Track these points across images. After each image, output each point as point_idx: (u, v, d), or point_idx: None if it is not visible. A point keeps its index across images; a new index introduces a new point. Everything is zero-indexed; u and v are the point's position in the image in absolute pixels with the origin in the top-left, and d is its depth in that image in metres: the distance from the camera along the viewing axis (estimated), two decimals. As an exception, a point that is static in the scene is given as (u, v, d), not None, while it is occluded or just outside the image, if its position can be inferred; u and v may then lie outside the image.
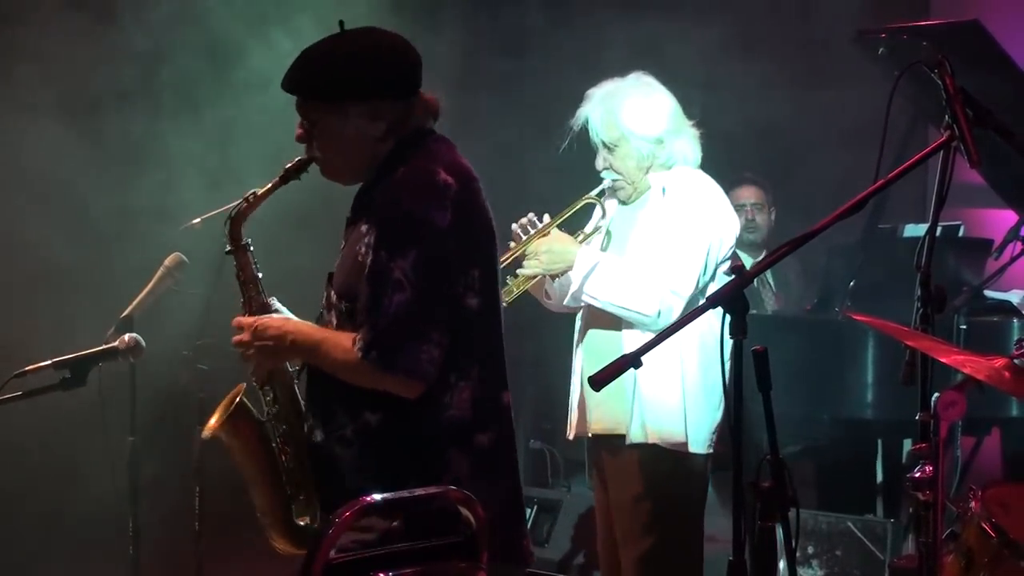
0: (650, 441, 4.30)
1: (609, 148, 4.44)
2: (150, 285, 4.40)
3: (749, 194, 6.62)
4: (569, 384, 4.59)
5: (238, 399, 3.44)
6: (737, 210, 6.43)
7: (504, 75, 7.14)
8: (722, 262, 4.35)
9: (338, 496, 3.23)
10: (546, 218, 4.51)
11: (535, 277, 4.45)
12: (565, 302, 4.47)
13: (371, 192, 3.31)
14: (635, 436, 4.31)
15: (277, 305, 3.49)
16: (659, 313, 4.26)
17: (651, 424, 4.30)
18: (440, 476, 3.19)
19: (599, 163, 4.48)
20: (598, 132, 4.43)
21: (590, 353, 4.47)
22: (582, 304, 4.42)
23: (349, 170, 3.37)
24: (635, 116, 4.38)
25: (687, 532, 4.40)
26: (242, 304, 3.47)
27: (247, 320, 3.40)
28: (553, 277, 4.46)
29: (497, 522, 3.20)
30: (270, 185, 3.41)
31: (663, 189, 4.38)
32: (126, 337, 3.96)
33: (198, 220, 4.67)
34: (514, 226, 4.48)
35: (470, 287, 3.23)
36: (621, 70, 4.50)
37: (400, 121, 3.30)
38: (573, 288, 4.38)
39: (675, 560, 4.38)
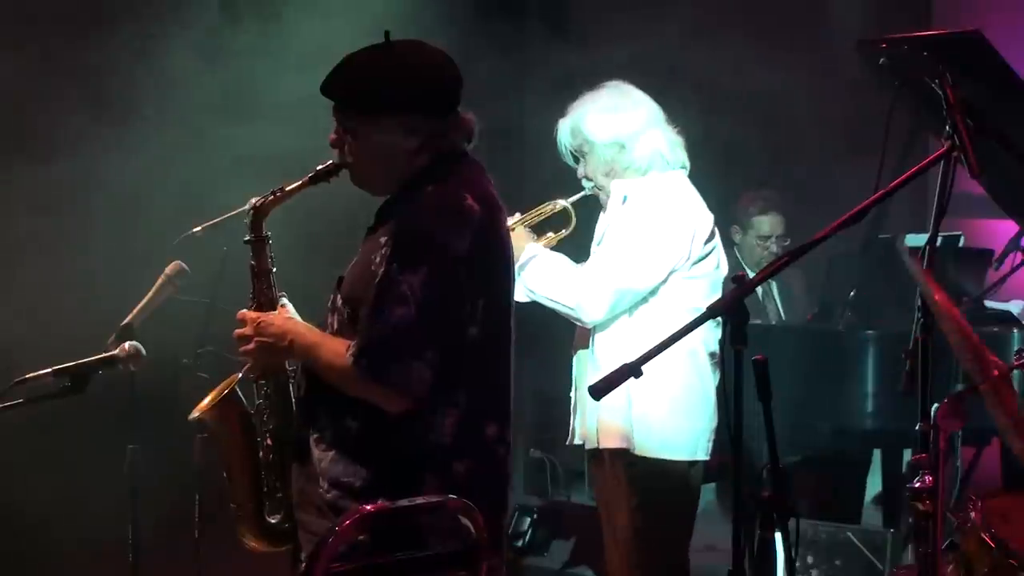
0: (601, 446, 4.37)
1: (576, 157, 4.50)
2: (151, 293, 4.40)
3: (776, 225, 6.52)
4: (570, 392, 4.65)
5: (231, 387, 3.47)
6: (762, 240, 6.46)
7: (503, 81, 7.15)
8: (678, 270, 4.34)
9: (306, 496, 3.28)
10: (517, 216, 4.54)
11: None
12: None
13: (396, 205, 3.31)
14: (590, 442, 4.41)
15: (285, 302, 3.49)
16: (578, 306, 4.33)
17: (601, 429, 4.37)
18: (409, 495, 3.17)
19: (578, 173, 4.53)
20: (565, 143, 4.50)
21: (578, 360, 4.53)
22: (521, 297, 4.43)
23: (378, 180, 3.37)
24: (594, 122, 4.42)
25: (664, 537, 4.42)
26: (250, 296, 3.48)
27: (251, 315, 3.41)
28: None
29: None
30: (299, 183, 3.42)
31: (624, 197, 4.42)
32: (126, 345, 3.95)
33: (199, 228, 4.67)
34: None
35: (472, 316, 3.23)
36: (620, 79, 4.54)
37: (435, 138, 3.30)
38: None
39: (656, 566, 4.41)
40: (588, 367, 4.44)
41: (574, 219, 4.56)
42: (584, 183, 4.52)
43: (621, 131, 4.40)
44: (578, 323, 4.41)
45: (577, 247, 4.58)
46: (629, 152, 4.41)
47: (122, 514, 4.34)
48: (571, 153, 4.51)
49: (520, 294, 4.42)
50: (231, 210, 4.51)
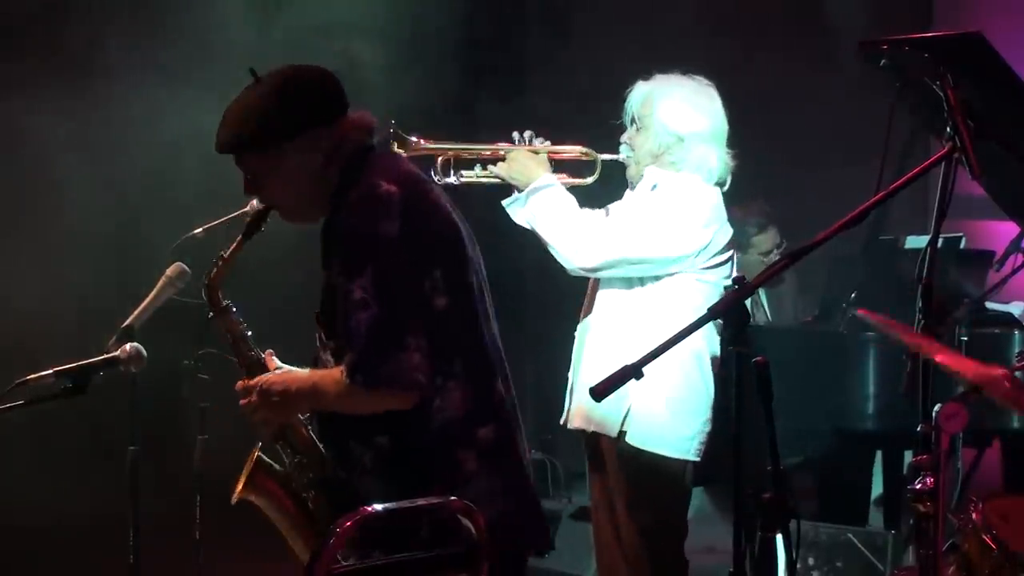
0: (591, 430, 4.44)
1: (636, 124, 4.51)
2: (152, 295, 4.39)
3: (775, 237, 6.47)
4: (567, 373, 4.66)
5: (255, 457, 3.47)
6: (764, 256, 6.44)
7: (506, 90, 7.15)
8: (686, 260, 4.36)
9: (368, 526, 3.26)
10: (548, 144, 4.56)
11: (494, 178, 4.50)
12: (505, 202, 4.53)
13: (331, 224, 3.33)
14: (577, 425, 4.49)
15: (275, 360, 3.52)
16: (574, 256, 4.36)
17: (594, 415, 4.41)
18: (453, 478, 3.21)
19: (624, 136, 4.55)
20: (633, 104, 4.52)
21: (591, 344, 4.53)
22: (520, 219, 4.46)
23: (305, 207, 3.40)
24: (670, 105, 4.45)
25: (660, 533, 4.46)
26: (237, 364, 3.50)
27: (251, 383, 3.43)
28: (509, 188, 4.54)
29: (515, 510, 3.28)
30: (235, 245, 3.46)
31: (653, 185, 4.43)
32: (127, 347, 3.95)
33: (200, 230, 4.67)
34: (515, 133, 4.56)
35: (435, 288, 3.24)
36: (623, 83, 4.55)
37: (336, 146, 3.33)
38: (519, 193, 4.46)
39: (650, 559, 4.43)
40: (583, 359, 4.49)
41: (598, 172, 4.57)
42: (623, 148, 4.55)
43: (688, 127, 4.44)
44: (565, 264, 4.42)
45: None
46: (684, 149, 4.44)
47: (122, 515, 4.34)
48: (632, 116, 4.52)
49: (520, 218, 4.42)
50: (232, 211, 4.53)
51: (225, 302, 3.50)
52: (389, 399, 3.18)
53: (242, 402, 3.42)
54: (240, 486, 3.48)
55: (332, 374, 3.23)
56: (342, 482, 3.35)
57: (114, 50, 5.86)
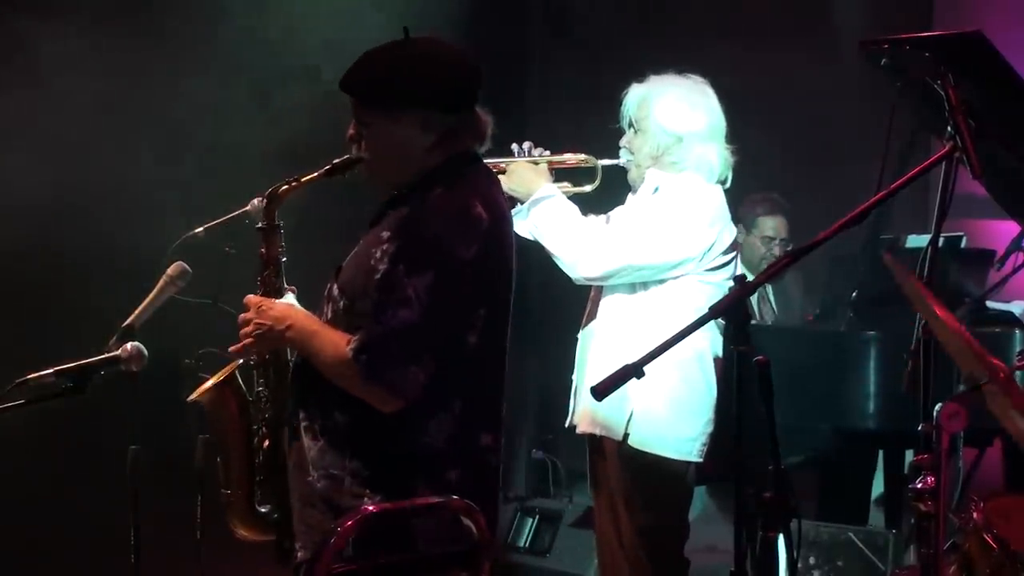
0: (598, 434, 4.43)
1: (633, 127, 4.51)
2: (152, 294, 4.39)
3: (781, 228, 6.56)
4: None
5: (231, 371, 3.49)
6: (766, 241, 6.48)
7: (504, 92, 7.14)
8: (690, 262, 4.37)
9: (298, 485, 3.29)
10: (547, 154, 4.57)
11: None
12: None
13: (403, 202, 3.30)
14: (581, 426, 4.49)
15: (291, 297, 3.49)
16: (576, 266, 4.38)
17: (599, 419, 4.41)
18: (398, 496, 3.18)
19: (623, 140, 4.55)
20: (629, 107, 4.51)
21: (595, 349, 4.52)
22: (523, 231, 4.44)
23: (392, 176, 3.37)
24: (666, 106, 4.45)
25: (662, 533, 4.46)
26: (257, 283, 3.49)
27: (255, 299, 3.42)
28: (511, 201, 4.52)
29: None
30: (315, 174, 3.43)
31: (655, 188, 4.43)
32: (128, 346, 3.95)
33: (200, 229, 4.67)
34: (515, 145, 4.56)
35: (473, 324, 3.23)
36: (623, 87, 4.55)
37: (451, 135, 3.30)
38: (520, 207, 4.46)
39: (651, 559, 4.44)
40: (587, 358, 4.49)
41: (599, 178, 4.57)
42: (622, 153, 4.55)
43: (685, 127, 4.44)
44: (569, 273, 4.44)
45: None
46: (683, 148, 4.44)
47: (123, 515, 4.34)
48: (629, 120, 4.52)
49: (522, 229, 4.43)
50: (233, 210, 4.53)
51: (279, 221, 3.50)
52: (373, 394, 3.16)
53: (241, 316, 3.40)
54: (204, 388, 3.50)
55: (337, 337, 3.20)
56: (292, 429, 3.33)
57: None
